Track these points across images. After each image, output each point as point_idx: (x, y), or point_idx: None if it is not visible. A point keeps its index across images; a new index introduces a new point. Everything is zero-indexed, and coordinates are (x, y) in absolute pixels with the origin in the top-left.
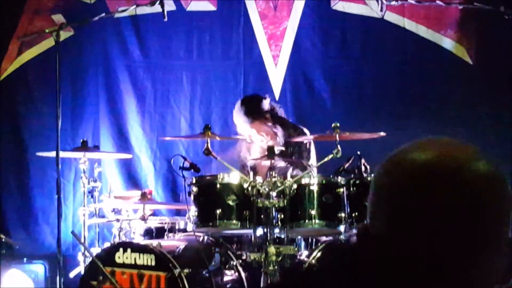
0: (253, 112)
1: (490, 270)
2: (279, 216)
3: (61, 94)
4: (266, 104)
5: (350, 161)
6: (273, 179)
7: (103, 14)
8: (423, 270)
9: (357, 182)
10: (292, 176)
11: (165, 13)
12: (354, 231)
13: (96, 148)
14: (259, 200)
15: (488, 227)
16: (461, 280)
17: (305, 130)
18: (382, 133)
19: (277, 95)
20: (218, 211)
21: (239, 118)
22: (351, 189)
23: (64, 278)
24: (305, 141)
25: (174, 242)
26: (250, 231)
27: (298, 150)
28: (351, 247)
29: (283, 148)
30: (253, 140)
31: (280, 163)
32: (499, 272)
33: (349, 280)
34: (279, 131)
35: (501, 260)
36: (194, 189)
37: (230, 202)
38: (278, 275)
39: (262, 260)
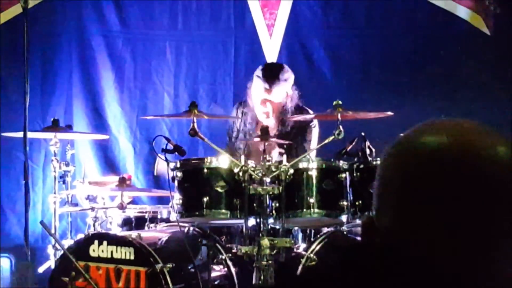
0: (275, 76)
1: (508, 267)
2: (273, 204)
3: (30, 68)
4: (291, 77)
5: (353, 143)
6: (267, 163)
7: None
8: (435, 268)
9: (361, 166)
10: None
11: None
12: (358, 221)
13: (68, 127)
14: (251, 187)
15: (507, 220)
16: (476, 278)
17: (310, 111)
18: (389, 113)
19: None
20: (205, 199)
21: (257, 79)
22: (354, 174)
23: (32, 273)
24: (309, 121)
25: (155, 234)
26: (241, 221)
27: (298, 130)
28: (355, 242)
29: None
30: (254, 101)
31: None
32: None
33: (353, 282)
34: (286, 116)
35: None
36: (179, 174)
37: (219, 189)
38: (272, 272)
39: (255, 253)
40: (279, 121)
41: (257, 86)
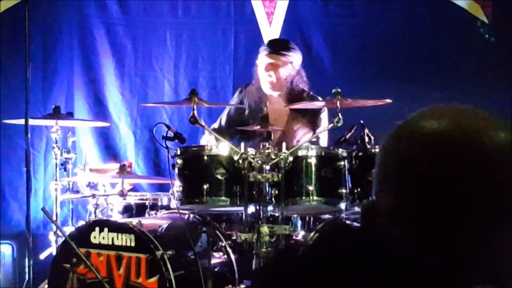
0: (280, 46)
1: (509, 251)
2: (273, 192)
3: (31, 55)
4: (298, 53)
5: (352, 131)
6: (267, 151)
7: None
8: (434, 251)
9: (360, 154)
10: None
11: None
12: (356, 209)
13: (69, 115)
14: (251, 174)
15: (508, 203)
16: (477, 262)
17: (319, 98)
18: (388, 100)
19: None
20: (205, 186)
21: (263, 49)
22: (353, 162)
23: (33, 260)
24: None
25: (156, 221)
26: (241, 208)
27: (310, 115)
28: (355, 227)
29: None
30: (259, 72)
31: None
32: None
33: (353, 265)
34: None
35: None
36: (179, 161)
37: (219, 176)
38: (272, 258)
39: (254, 241)
40: (287, 98)
41: (262, 56)
